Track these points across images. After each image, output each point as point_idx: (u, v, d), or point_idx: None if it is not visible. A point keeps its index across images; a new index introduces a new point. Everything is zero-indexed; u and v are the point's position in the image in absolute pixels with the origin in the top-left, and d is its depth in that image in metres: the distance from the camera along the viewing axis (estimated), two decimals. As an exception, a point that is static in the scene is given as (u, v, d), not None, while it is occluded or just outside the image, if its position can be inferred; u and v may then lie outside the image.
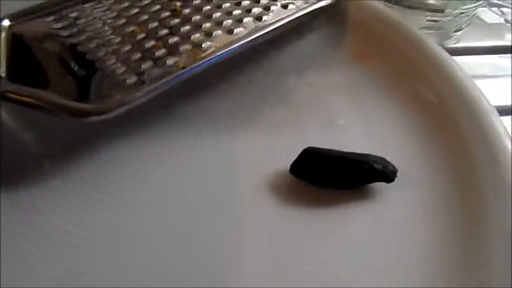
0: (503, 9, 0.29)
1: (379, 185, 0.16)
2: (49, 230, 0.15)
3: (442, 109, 0.18)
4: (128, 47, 0.17)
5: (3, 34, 0.17)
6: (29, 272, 0.14)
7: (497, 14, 0.29)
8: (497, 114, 0.18)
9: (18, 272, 0.14)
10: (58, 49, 0.17)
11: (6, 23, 0.18)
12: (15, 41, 0.17)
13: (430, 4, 0.26)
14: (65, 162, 0.17)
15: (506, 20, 0.28)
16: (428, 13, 0.24)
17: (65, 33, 0.18)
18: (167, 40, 0.18)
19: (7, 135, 0.17)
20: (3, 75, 0.16)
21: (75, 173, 0.16)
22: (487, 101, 0.18)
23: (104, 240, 0.15)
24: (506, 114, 0.21)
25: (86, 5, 0.19)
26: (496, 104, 0.18)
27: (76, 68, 0.17)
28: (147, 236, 0.15)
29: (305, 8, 0.21)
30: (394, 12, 0.22)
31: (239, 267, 0.14)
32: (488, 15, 0.28)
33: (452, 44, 0.26)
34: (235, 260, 0.14)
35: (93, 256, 0.14)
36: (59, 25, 0.18)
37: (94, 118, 0.15)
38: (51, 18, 0.18)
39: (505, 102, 0.22)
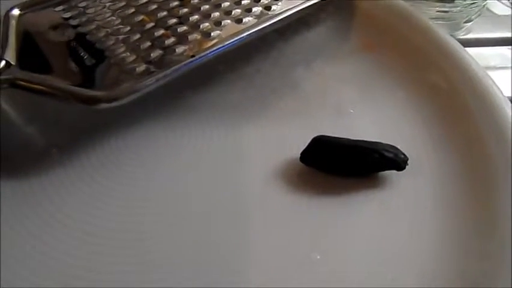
0: (513, 0, 0.28)
1: (389, 173, 0.16)
2: (59, 218, 0.15)
3: (453, 98, 0.18)
4: (137, 36, 0.17)
5: (14, 23, 0.17)
6: (40, 260, 0.14)
7: (507, 6, 0.28)
8: (508, 102, 0.17)
9: (29, 260, 0.14)
10: (67, 38, 0.17)
11: (16, 12, 0.18)
12: (26, 30, 0.17)
13: (439, -5, 0.25)
14: (75, 151, 0.17)
15: (516, 12, 0.28)
16: (438, 3, 0.24)
17: (74, 22, 0.18)
18: (176, 29, 0.18)
19: (15, 124, 0.17)
20: (13, 63, 0.16)
21: (85, 161, 0.16)
22: (500, 90, 0.18)
23: (114, 228, 0.15)
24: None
25: (95, -5, 0.19)
26: (507, 95, 0.18)
27: (86, 57, 0.17)
28: (157, 224, 0.15)
29: (314, -2, 0.20)
30: (402, 2, 0.22)
31: (249, 255, 0.14)
32: (498, 7, 0.28)
33: (462, 35, 0.25)
34: (245, 248, 0.14)
35: (104, 244, 0.14)
36: (69, 14, 0.18)
37: (104, 105, 0.15)
38: (60, 7, 0.18)
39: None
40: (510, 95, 0.22)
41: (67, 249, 0.14)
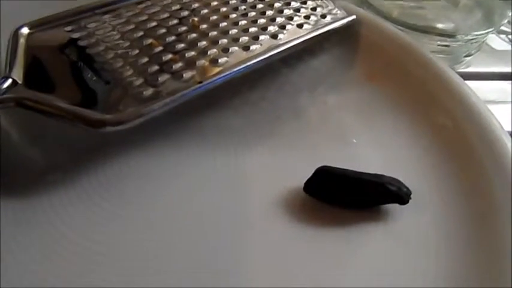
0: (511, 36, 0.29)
1: (392, 206, 0.16)
2: (58, 239, 0.15)
3: (455, 132, 0.18)
4: (145, 60, 0.17)
5: (22, 41, 0.17)
6: (36, 283, 0.14)
7: (505, 41, 0.29)
8: (509, 135, 0.18)
9: (26, 283, 0.14)
10: (75, 58, 0.17)
11: (25, 30, 0.18)
12: (34, 48, 0.17)
13: (439, 29, 0.26)
14: (77, 173, 0.16)
15: (514, 48, 0.29)
16: (440, 37, 0.24)
17: (82, 43, 0.18)
18: (184, 54, 0.18)
19: (17, 144, 0.17)
20: (20, 81, 0.16)
21: (86, 184, 0.16)
22: (500, 124, 0.18)
23: (114, 253, 0.14)
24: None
25: (104, 16, 0.19)
26: (507, 130, 0.18)
27: (93, 78, 0.17)
28: (158, 250, 0.15)
29: (319, 28, 0.21)
30: (405, 35, 0.22)
31: (250, 284, 0.14)
32: (497, 42, 0.29)
33: (462, 69, 0.26)
34: (245, 277, 0.14)
35: (103, 269, 0.14)
36: (77, 35, 0.18)
37: (110, 128, 0.15)
38: (69, 27, 0.18)
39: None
40: (510, 130, 0.22)
41: (62, 273, 0.14)
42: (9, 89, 0.16)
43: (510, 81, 0.26)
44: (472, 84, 0.24)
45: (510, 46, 0.29)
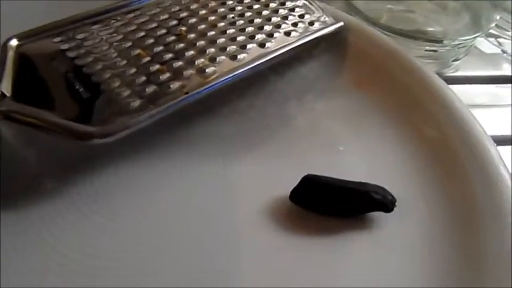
0: (500, 39, 0.29)
1: (377, 214, 0.16)
2: (46, 251, 0.15)
3: (439, 137, 0.19)
4: (133, 70, 0.18)
5: (11, 53, 0.17)
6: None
7: (494, 44, 0.29)
8: (491, 140, 0.18)
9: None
10: (64, 70, 0.18)
11: (14, 42, 0.18)
12: (23, 60, 0.17)
13: (428, 34, 0.26)
14: (65, 184, 0.17)
15: (503, 51, 0.29)
16: (427, 43, 0.24)
17: (71, 54, 0.18)
18: (172, 64, 0.18)
19: (7, 154, 0.17)
20: (8, 94, 0.16)
21: (75, 195, 0.16)
22: (482, 127, 0.18)
23: (103, 264, 0.15)
24: (506, 144, 0.21)
25: (93, 27, 0.19)
26: (496, 134, 0.19)
27: (81, 90, 0.17)
28: (146, 261, 0.15)
29: (307, 35, 0.21)
30: (392, 41, 0.22)
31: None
32: (486, 46, 0.29)
33: (451, 73, 0.26)
34: (232, 284, 0.14)
35: (92, 281, 0.14)
36: (66, 46, 0.18)
37: (97, 141, 0.15)
38: (58, 38, 0.19)
39: (504, 132, 0.23)
40: (502, 134, 0.22)
41: (53, 284, 0.14)
42: (-3, 102, 0.16)
43: (503, 85, 0.26)
44: (460, 88, 0.25)
45: (499, 49, 0.29)
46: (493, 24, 0.27)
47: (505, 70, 0.27)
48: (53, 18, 0.19)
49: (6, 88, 0.16)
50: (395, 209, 0.16)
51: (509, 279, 0.14)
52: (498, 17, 0.26)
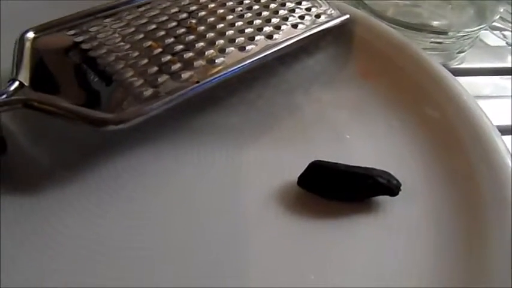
0: (505, 32, 0.30)
1: (383, 198, 0.17)
2: (59, 237, 0.15)
3: (444, 126, 0.19)
4: (145, 61, 0.18)
5: (28, 45, 0.18)
6: (43, 276, 0.14)
7: (498, 37, 0.30)
8: (498, 131, 0.18)
9: (33, 278, 0.14)
10: (78, 61, 0.18)
11: (30, 35, 0.18)
12: (39, 52, 0.18)
13: (433, 26, 0.27)
14: (80, 170, 0.17)
15: (507, 43, 0.29)
16: (432, 35, 0.25)
17: (85, 46, 0.19)
18: (182, 55, 0.19)
19: (21, 143, 0.18)
20: (26, 84, 0.17)
21: (90, 179, 0.17)
22: (488, 118, 0.19)
23: (115, 245, 0.15)
24: (507, 134, 0.22)
25: (106, 20, 0.20)
26: (498, 124, 0.19)
27: (95, 80, 0.18)
28: (157, 243, 0.15)
29: (314, 28, 0.22)
30: (398, 33, 0.23)
31: (246, 274, 0.15)
32: (491, 38, 0.29)
33: (456, 65, 0.27)
34: (242, 267, 0.15)
35: (105, 261, 0.15)
36: (80, 38, 0.19)
37: (112, 127, 0.16)
38: (72, 31, 0.19)
39: (506, 121, 0.23)
40: (504, 123, 0.23)
41: (66, 267, 0.15)
42: (17, 91, 0.16)
43: (502, 76, 0.26)
44: (465, 79, 0.25)
45: (504, 42, 0.29)
46: (497, 17, 0.27)
47: (509, 62, 0.27)
48: (67, 13, 0.20)
49: (25, 78, 0.17)
50: (400, 193, 0.16)
51: (509, 260, 0.15)
52: (502, 9, 0.26)
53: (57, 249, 0.15)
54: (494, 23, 0.29)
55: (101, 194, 0.17)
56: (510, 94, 0.25)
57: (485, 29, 0.26)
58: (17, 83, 0.17)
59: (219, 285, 0.14)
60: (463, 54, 0.27)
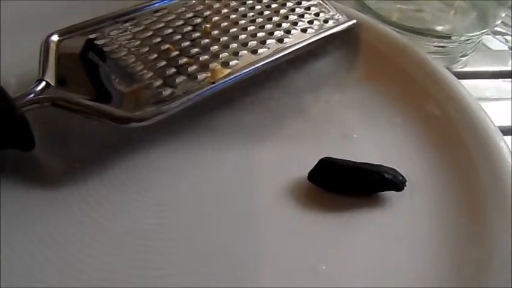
0: (507, 37, 0.31)
1: (389, 193, 0.18)
2: (90, 224, 0.16)
3: (447, 126, 0.20)
4: (163, 63, 0.19)
5: (53, 47, 0.19)
6: (65, 269, 0.15)
7: (501, 41, 0.30)
8: (499, 131, 0.19)
9: (55, 268, 0.15)
10: (100, 63, 0.19)
11: (55, 37, 0.19)
12: (63, 54, 0.19)
13: (437, 31, 0.27)
14: (102, 165, 0.18)
15: (509, 47, 0.30)
16: (436, 39, 0.26)
17: (106, 48, 0.20)
18: (198, 58, 0.20)
19: (44, 139, 0.19)
20: (53, 83, 0.18)
21: (111, 174, 0.18)
22: (490, 118, 0.20)
23: (133, 235, 0.16)
24: (508, 134, 0.22)
25: (125, 24, 0.21)
26: (499, 124, 0.20)
27: (116, 80, 0.19)
28: (172, 236, 0.16)
29: (322, 32, 0.23)
30: (402, 37, 0.24)
31: (258, 265, 0.16)
32: (493, 43, 0.30)
33: (459, 68, 0.27)
34: (255, 259, 0.16)
35: (122, 251, 0.16)
36: (102, 41, 0.20)
37: (134, 124, 0.17)
38: (94, 35, 0.20)
39: (506, 122, 0.24)
40: (504, 124, 0.23)
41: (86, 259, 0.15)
42: (44, 91, 0.17)
43: (504, 80, 0.27)
44: (469, 82, 0.26)
45: (506, 46, 0.30)
46: (499, 21, 0.28)
47: (510, 66, 0.28)
48: (88, 17, 0.21)
49: (51, 78, 0.18)
50: (405, 188, 0.17)
51: (509, 254, 0.15)
52: (503, 15, 0.27)
53: (83, 239, 0.16)
54: (496, 28, 0.30)
55: (122, 188, 0.17)
56: (511, 96, 0.26)
57: (487, 34, 0.27)
58: (43, 83, 0.18)
59: (231, 275, 0.15)
60: (466, 57, 0.27)
